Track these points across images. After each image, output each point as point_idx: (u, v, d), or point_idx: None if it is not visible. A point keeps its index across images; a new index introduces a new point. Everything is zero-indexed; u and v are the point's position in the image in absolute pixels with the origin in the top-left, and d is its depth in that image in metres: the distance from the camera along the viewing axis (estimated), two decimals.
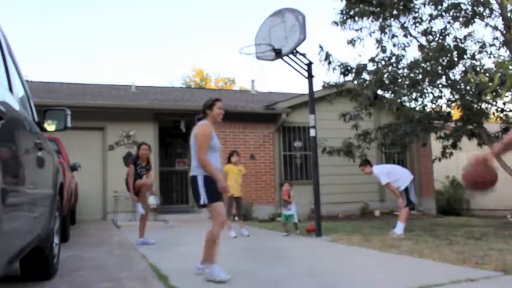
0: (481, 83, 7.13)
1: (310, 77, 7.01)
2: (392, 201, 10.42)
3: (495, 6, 8.24)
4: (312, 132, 7.01)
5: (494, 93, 7.44)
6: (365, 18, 8.75)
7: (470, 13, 8.14)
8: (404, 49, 8.88)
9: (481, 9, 8.14)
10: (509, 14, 8.16)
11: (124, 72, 44.88)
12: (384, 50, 8.60)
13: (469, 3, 8.17)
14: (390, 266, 4.34)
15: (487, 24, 8.49)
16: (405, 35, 8.99)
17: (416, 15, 8.88)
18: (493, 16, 8.35)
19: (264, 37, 7.27)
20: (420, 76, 7.98)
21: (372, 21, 8.86)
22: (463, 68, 8.24)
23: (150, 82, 42.69)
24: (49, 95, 11.08)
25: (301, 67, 7.03)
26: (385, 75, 8.27)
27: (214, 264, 3.79)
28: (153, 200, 10.11)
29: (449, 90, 8.52)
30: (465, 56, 8.16)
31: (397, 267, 4.32)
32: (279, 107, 11.42)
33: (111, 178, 9.98)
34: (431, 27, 8.72)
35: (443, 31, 8.51)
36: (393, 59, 8.62)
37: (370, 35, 8.95)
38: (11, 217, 2.03)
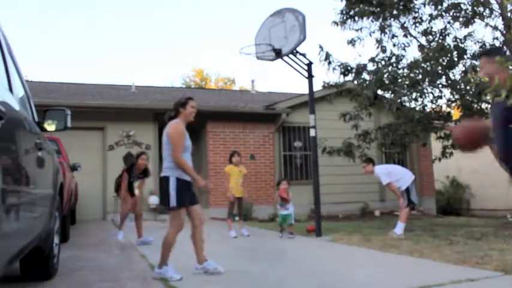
0: (481, 83, 7.13)
1: (310, 77, 7.01)
2: (392, 201, 10.43)
3: (495, 6, 8.24)
4: (312, 132, 7.01)
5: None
6: (365, 18, 8.75)
7: (470, 13, 8.14)
8: (404, 49, 8.88)
9: (481, 9, 8.15)
10: (509, 14, 8.16)
11: (124, 72, 44.92)
12: (383, 50, 8.60)
13: (469, 3, 8.17)
14: (390, 266, 4.34)
15: (487, 24, 8.49)
16: (405, 35, 8.99)
17: (416, 15, 8.88)
18: (493, 16, 8.36)
19: (264, 37, 7.27)
20: (420, 76, 7.98)
21: (372, 21, 8.86)
22: (463, 68, 8.24)
23: (150, 82, 42.75)
24: (49, 95, 11.08)
25: (301, 67, 7.03)
26: (385, 75, 8.27)
27: (167, 265, 3.84)
28: (153, 200, 10.16)
29: (449, 90, 8.51)
30: (465, 56, 8.16)
31: (397, 267, 4.32)
32: (279, 107, 11.42)
33: (111, 178, 9.96)
34: (431, 27, 8.72)
35: (443, 31, 8.51)
36: (393, 59, 8.62)
37: (370, 35, 8.95)
38: (11, 217, 2.03)
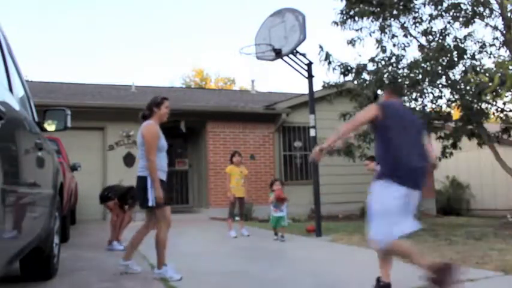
0: (481, 83, 7.13)
1: (310, 77, 7.01)
2: None
3: (495, 6, 8.23)
4: (312, 132, 7.02)
5: (494, 93, 7.44)
6: (365, 18, 8.73)
7: (470, 13, 8.13)
8: (404, 49, 8.86)
9: (481, 9, 8.14)
10: (509, 14, 8.15)
11: (124, 72, 44.93)
12: (384, 50, 8.59)
13: (469, 3, 8.16)
14: None
15: (487, 24, 8.49)
16: (405, 35, 8.98)
17: (416, 15, 8.87)
18: (493, 16, 8.35)
19: (264, 37, 7.27)
20: (420, 76, 7.97)
21: (372, 21, 8.85)
22: (463, 68, 8.23)
23: (150, 82, 42.74)
24: (49, 95, 11.08)
25: (301, 67, 7.04)
26: (385, 75, 8.26)
27: (166, 264, 3.84)
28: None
29: (449, 90, 8.51)
30: (465, 56, 8.15)
31: (397, 267, 4.32)
32: (279, 107, 11.42)
33: (111, 178, 9.97)
34: (431, 27, 8.71)
35: (443, 31, 8.50)
36: (393, 59, 8.60)
37: (370, 35, 8.93)
38: (11, 217, 2.03)
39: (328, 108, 10.87)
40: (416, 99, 8.37)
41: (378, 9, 8.64)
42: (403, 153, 3.24)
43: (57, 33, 44.20)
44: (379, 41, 8.68)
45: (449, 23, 8.50)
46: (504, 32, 8.18)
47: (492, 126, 9.73)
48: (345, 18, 8.89)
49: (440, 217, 11.45)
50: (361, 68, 8.55)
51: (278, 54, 6.94)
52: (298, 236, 6.89)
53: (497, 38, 8.44)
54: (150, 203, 3.78)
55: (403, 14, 8.80)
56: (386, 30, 8.78)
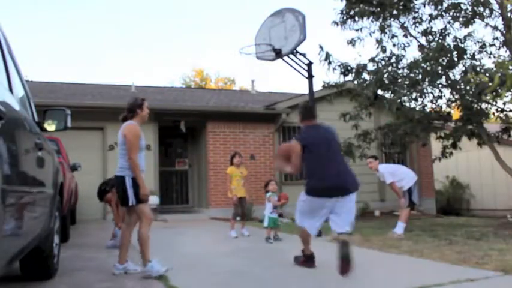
0: (481, 83, 7.13)
1: (310, 77, 7.02)
2: (392, 201, 10.43)
3: (495, 6, 8.23)
4: None
5: (494, 93, 7.44)
6: (365, 18, 8.74)
7: (470, 13, 8.14)
8: (404, 49, 8.87)
9: (481, 9, 8.14)
10: (509, 14, 8.15)
11: (124, 72, 44.93)
12: (384, 50, 8.60)
13: (469, 3, 8.16)
14: (390, 266, 4.35)
15: (487, 24, 8.49)
16: (405, 35, 8.98)
17: (416, 15, 8.88)
18: (493, 16, 8.35)
19: (264, 37, 7.27)
20: (420, 76, 7.98)
21: (372, 21, 8.86)
22: (463, 68, 8.23)
23: (150, 82, 42.76)
24: (49, 95, 11.08)
25: (301, 67, 7.04)
26: (385, 75, 8.26)
27: (151, 261, 3.87)
28: (153, 200, 10.15)
29: (449, 90, 8.51)
30: (465, 56, 8.16)
31: (397, 267, 4.32)
32: (279, 107, 11.41)
33: None
34: (431, 27, 8.72)
35: (443, 31, 8.50)
36: (393, 59, 8.61)
37: (370, 35, 8.94)
38: (11, 217, 2.03)
39: (328, 108, 10.87)
40: (416, 99, 8.37)
41: (378, 9, 8.64)
42: (316, 176, 4.24)
43: (57, 33, 44.24)
44: (379, 41, 8.69)
45: (449, 23, 8.50)
46: (504, 32, 8.18)
47: (492, 126, 9.73)
48: (345, 18, 8.90)
49: (440, 217, 11.44)
50: (361, 68, 8.55)
51: (278, 54, 6.94)
52: (298, 236, 6.87)
53: (497, 38, 8.44)
54: (130, 202, 3.87)
55: (403, 14, 8.81)
56: (386, 30, 8.79)
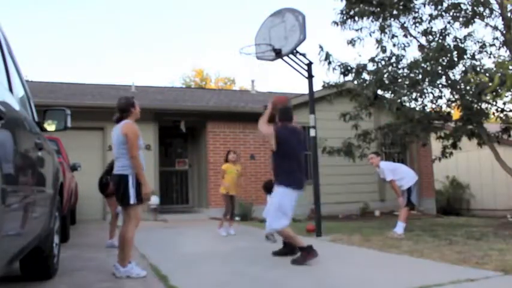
0: (481, 83, 7.13)
1: (310, 77, 7.01)
2: (392, 201, 10.42)
3: (495, 6, 8.23)
4: (312, 132, 7.01)
5: (494, 93, 7.44)
6: (365, 18, 8.74)
7: (470, 13, 8.13)
8: (404, 49, 8.87)
9: (481, 9, 8.14)
10: (509, 14, 8.15)
11: (124, 72, 44.92)
12: (384, 50, 8.59)
13: (469, 3, 8.16)
14: (390, 266, 4.35)
15: (487, 24, 8.49)
16: (405, 35, 8.98)
17: (416, 15, 8.88)
18: (493, 16, 8.35)
19: (264, 37, 7.26)
20: (420, 76, 7.98)
21: (372, 21, 8.85)
22: (463, 68, 8.23)
23: (150, 82, 42.74)
24: (49, 95, 11.07)
25: (301, 67, 7.03)
26: (385, 75, 8.26)
27: (131, 262, 3.92)
28: (154, 200, 10.15)
29: (449, 90, 8.51)
30: (465, 56, 8.15)
31: (397, 267, 4.32)
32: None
33: None
34: (431, 27, 8.71)
35: (443, 31, 8.50)
36: (393, 59, 8.61)
37: (370, 35, 8.94)
38: (11, 217, 2.03)
39: (328, 108, 10.87)
40: (416, 99, 8.37)
41: (378, 9, 8.64)
42: (296, 172, 4.78)
43: (57, 33, 44.24)
44: (379, 41, 8.69)
45: (449, 23, 8.50)
46: (504, 32, 8.18)
47: (492, 126, 9.73)
48: (345, 18, 8.90)
49: (440, 217, 11.44)
50: (361, 68, 8.55)
51: (278, 54, 6.93)
52: (298, 236, 6.87)
53: (497, 38, 8.44)
54: (132, 201, 3.88)
55: (403, 14, 8.81)
56: (386, 30, 8.78)
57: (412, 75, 8.08)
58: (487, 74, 6.99)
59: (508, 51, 8.29)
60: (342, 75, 8.60)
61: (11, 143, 2.11)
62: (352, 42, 8.95)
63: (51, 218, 3.48)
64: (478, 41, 8.32)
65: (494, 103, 8.48)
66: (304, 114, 9.83)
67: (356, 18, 8.79)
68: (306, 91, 7.17)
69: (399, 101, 8.20)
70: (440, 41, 8.34)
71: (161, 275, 3.91)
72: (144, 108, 10.42)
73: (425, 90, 8.28)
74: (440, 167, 12.96)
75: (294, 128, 5.01)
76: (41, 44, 43.36)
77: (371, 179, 11.68)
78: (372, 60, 8.61)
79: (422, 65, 7.94)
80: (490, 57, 8.41)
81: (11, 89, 2.60)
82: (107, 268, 4.25)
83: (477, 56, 8.24)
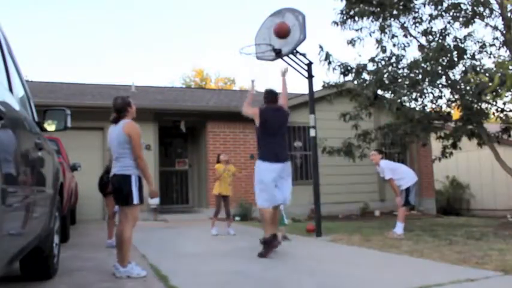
0: (481, 83, 7.13)
1: (310, 77, 7.01)
2: (392, 201, 10.41)
3: (495, 6, 8.23)
4: (312, 132, 7.01)
5: (494, 93, 7.44)
6: (365, 18, 8.73)
7: (470, 13, 8.13)
8: (404, 49, 8.86)
9: (481, 9, 8.13)
10: (509, 14, 8.15)
11: (124, 72, 44.92)
12: (384, 50, 8.59)
13: (469, 3, 8.16)
14: (390, 266, 4.35)
15: (487, 24, 8.49)
16: (405, 35, 8.98)
17: (416, 15, 8.87)
18: (493, 16, 8.34)
19: (264, 37, 7.26)
20: (420, 76, 7.97)
21: (372, 21, 8.85)
22: (463, 68, 8.22)
23: (150, 82, 42.74)
24: (49, 95, 11.07)
25: (301, 67, 7.03)
26: (385, 75, 8.26)
27: (130, 262, 3.92)
28: (153, 200, 10.15)
29: (449, 90, 8.51)
30: (465, 56, 8.15)
31: (397, 267, 4.32)
32: None
33: None
34: (431, 27, 8.71)
35: (443, 31, 8.50)
36: (393, 59, 8.60)
37: (370, 35, 8.93)
38: (11, 217, 2.03)
39: (328, 108, 10.87)
40: (416, 99, 8.37)
41: (378, 9, 8.64)
42: (268, 146, 5.25)
43: (57, 33, 44.24)
44: (379, 41, 8.68)
45: (449, 23, 8.50)
46: (504, 32, 8.18)
47: (492, 126, 9.72)
48: (345, 18, 8.89)
49: (440, 217, 11.44)
50: (361, 68, 8.55)
51: (278, 54, 6.93)
52: (298, 236, 6.88)
53: (497, 38, 8.44)
54: (136, 201, 3.89)
55: (403, 14, 8.80)
56: (386, 30, 8.78)
57: (412, 75, 8.08)
58: (487, 74, 6.99)
59: (508, 51, 8.29)
60: (342, 75, 8.60)
61: (11, 143, 2.11)
62: (352, 42, 8.95)
63: (51, 218, 3.48)
64: (478, 41, 8.32)
65: (494, 103, 8.48)
66: (304, 114, 9.84)
67: (356, 18, 8.79)
68: (306, 91, 7.17)
69: (399, 101, 8.19)
70: (440, 41, 8.34)
71: (161, 275, 3.91)
72: (144, 108, 10.54)
73: (425, 90, 8.28)
74: (440, 167, 12.96)
75: (276, 107, 5.39)
76: (41, 44, 43.40)
77: (371, 179, 11.68)
78: (372, 60, 8.61)
79: (422, 65, 7.94)
80: (490, 57, 8.41)
81: (11, 89, 2.60)
82: (107, 268, 4.25)
83: (477, 56, 8.24)
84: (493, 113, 8.79)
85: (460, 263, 4.22)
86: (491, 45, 8.37)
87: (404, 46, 8.90)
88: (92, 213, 10.06)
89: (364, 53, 41.53)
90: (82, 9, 42.74)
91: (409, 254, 4.86)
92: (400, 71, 8.39)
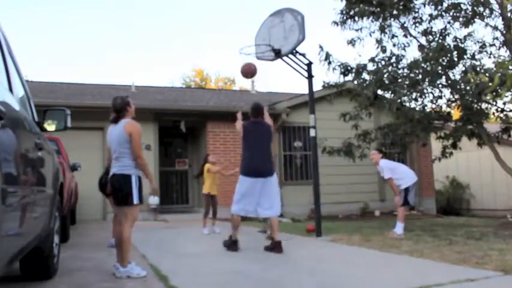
0: (481, 83, 7.12)
1: (310, 77, 7.01)
2: (392, 201, 10.41)
3: (495, 6, 8.23)
4: (312, 132, 7.01)
5: (494, 93, 7.44)
6: (365, 18, 8.73)
7: (470, 13, 8.13)
8: (404, 49, 8.86)
9: (481, 9, 8.13)
10: (509, 14, 8.15)
11: (124, 72, 44.92)
12: (384, 50, 8.59)
13: (469, 3, 8.16)
14: (390, 266, 4.35)
15: (487, 24, 8.48)
16: (405, 35, 8.98)
17: (416, 15, 8.87)
18: (493, 16, 8.34)
19: (263, 37, 7.26)
20: (420, 76, 7.97)
21: (372, 21, 8.85)
22: (463, 68, 8.22)
23: (150, 82, 42.74)
24: (49, 95, 11.07)
25: (301, 67, 7.03)
26: (385, 75, 8.26)
27: (131, 262, 3.92)
28: (153, 200, 10.16)
29: (449, 90, 8.51)
30: (465, 56, 8.15)
31: (397, 267, 4.32)
32: (279, 107, 11.41)
33: None
34: (431, 27, 8.71)
35: (443, 31, 8.50)
36: (393, 59, 8.60)
37: (370, 35, 8.93)
38: (11, 217, 2.03)
39: (328, 108, 10.87)
40: (416, 99, 8.37)
41: (378, 9, 8.64)
42: (247, 160, 5.34)
43: (57, 33, 44.24)
44: (379, 41, 8.68)
45: (449, 23, 8.50)
46: (504, 32, 8.18)
47: (492, 126, 9.72)
48: (345, 18, 8.89)
49: (440, 217, 11.45)
50: (361, 68, 8.55)
51: (278, 54, 6.93)
52: (298, 236, 6.89)
53: (497, 38, 8.44)
54: (136, 201, 3.90)
55: (403, 14, 8.80)
56: (386, 30, 8.78)
57: (412, 75, 8.08)
58: (487, 74, 6.99)
59: (508, 51, 8.29)
60: (342, 75, 8.60)
61: (11, 143, 2.11)
62: (352, 42, 8.95)
63: (51, 218, 3.48)
64: (478, 41, 8.32)
65: (494, 103, 8.48)
66: (304, 114, 9.85)
67: (356, 18, 8.79)
68: (306, 91, 7.17)
69: (399, 101, 8.19)
70: (440, 41, 8.33)
71: (161, 275, 3.90)
72: (144, 108, 10.55)
73: (425, 90, 8.28)
74: (440, 167, 12.95)
75: (258, 122, 5.56)
76: (41, 44, 43.40)
77: (371, 179, 11.69)
78: (372, 60, 8.61)
79: (422, 65, 7.94)
80: (490, 57, 8.41)
81: (11, 89, 2.60)
82: (107, 268, 4.25)
83: (477, 56, 8.24)
84: (493, 113, 8.79)
85: (460, 263, 4.22)
86: (491, 45, 8.37)
87: (404, 46, 8.90)
88: (92, 213, 10.06)
89: (364, 53, 41.61)
90: (82, 9, 42.78)
91: (409, 254, 4.86)
92: (400, 71, 8.39)
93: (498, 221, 9.52)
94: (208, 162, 7.62)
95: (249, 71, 6.44)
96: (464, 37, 8.25)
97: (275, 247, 5.20)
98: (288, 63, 7.04)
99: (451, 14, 8.31)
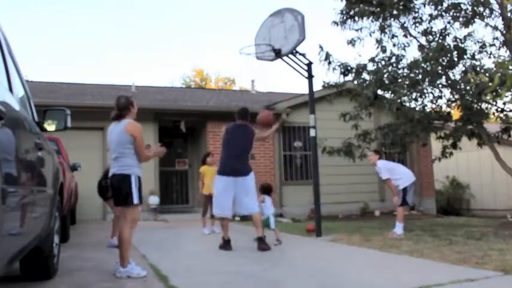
0: (481, 83, 7.12)
1: (310, 77, 7.01)
2: (392, 201, 10.44)
3: (495, 6, 8.23)
4: (312, 132, 7.01)
5: (494, 93, 7.44)
6: (365, 18, 8.73)
7: (470, 13, 8.13)
8: (404, 49, 8.86)
9: (481, 9, 8.13)
10: (509, 14, 8.15)
11: (124, 72, 44.93)
12: (384, 50, 8.59)
13: (469, 3, 8.16)
14: (390, 266, 4.35)
15: (487, 24, 8.48)
16: (405, 35, 8.98)
17: (416, 15, 8.87)
18: (493, 16, 8.34)
19: (263, 37, 7.26)
20: (420, 76, 7.97)
21: (372, 21, 8.85)
22: (463, 68, 8.22)
23: (150, 82, 42.75)
24: (49, 95, 11.07)
25: (301, 67, 7.03)
26: (385, 75, 8.26)
27: (131, 262, 3.92)
28: (153, 200, 10.16)
29: (449, 90, 8.51)
30: (465, 56, 8.15)
31: (397, 267, 4.32)
32: (279, 107, 11.41)
33: None
34: (431, 27, 8.71)
35: (443, 31, 8.50)
36: (393, 59, 8.60)
37: (370, 35, 8.93)
38: (11, 217, 2.03)
39: (328, 108, 10.87)
40: (416, 99, 8.37)
41: (378, 9, 8.64)
42: (224, 160, 5.55)
43: (57, 33, 44.24)
44: (379, 41, 8.68)
45: (449, 23, 8.50)
46: (504, 32, 8.18)
47: (492, 126, 9.72)
48: (345, 18, 8.89)
49: (440, 217, 11.44)
50: (361, 68, 8.55)
51: (278, 54, 6.93)
52: (298, 236, 6.89)
53: (497, 38, 8.44)
54: (136, 201, 3.90)
55: (403, 14, 8.80)
56: (386, 30, 8.78)
57: (412, 75, 8.08)
58: (487, 74, 6.99)
59: (508, 51, 8.29)
60: (342, 75, 8.60)
61: (11, 143, 2.11)
62: (352, 42, 8.95)
63: (51, 218, 3.48)
64: (478, 41, 8.32)
65: (494, 103, 8.48)
66: (304, 114, 9.85)
67: (356, 18, 8.79)
68: (306, 91, 7.17)
69: (399, 101, 8.19)
70: (440, 41, 8.33)
71: (161, 275, 3.91)
72: (144, 108, 10.53)
73: (425, 90, 8.28)
74: (440, 167, 12.95)
75: (240, 124, 5.67)
76: (41, 44, 43.41)
77: (371, 179, 11.68)
78: (372, 60, 8.61)
79: (422, 65, 7.93)
80: (490, 57, 8.41)
81: (11, 89, 2.60)
82: (106, 268, 4.25)
83: (477, 56, 8.24)
84: (493, 113, 8.79)
85: (460, 263, 4.22)
86: (491, 45, 8.37)
87: (404, 46, 8.90)
88: (92, 213, 10.05)
89: (364, 53, 41.55)
90: (82, 9, 42.78)
91: (409, 254, 4.86)
92: (400, 71, 8.39)
93: (498, 221, 9.52)
94: (207, 163, 7.58)
95: (265, 121, 6.01)
96: (464, 37, 8.25)
97: (259, 243, 5.30)
98: (288, 63, 7.04)
99: (451, 14, 8.31)
